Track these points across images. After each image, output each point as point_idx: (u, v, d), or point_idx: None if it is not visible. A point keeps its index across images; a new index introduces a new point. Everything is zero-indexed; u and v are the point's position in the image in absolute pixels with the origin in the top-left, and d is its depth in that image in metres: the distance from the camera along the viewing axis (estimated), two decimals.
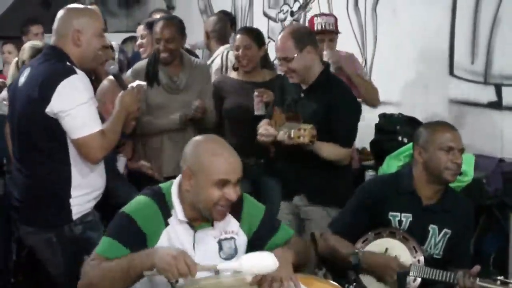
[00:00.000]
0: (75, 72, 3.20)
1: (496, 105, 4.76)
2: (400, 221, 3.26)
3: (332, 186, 3.87)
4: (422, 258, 3.15)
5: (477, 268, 3.07)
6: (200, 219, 2.71)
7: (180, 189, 2.71)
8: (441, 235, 3.28)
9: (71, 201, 3.28)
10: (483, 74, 4.84)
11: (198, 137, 2.79)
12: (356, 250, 3.17)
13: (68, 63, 3.25)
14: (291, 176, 4.01)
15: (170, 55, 4.42)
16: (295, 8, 6.55)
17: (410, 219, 3.26)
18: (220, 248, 2.76)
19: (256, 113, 4.39)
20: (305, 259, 2.85)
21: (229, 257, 2.75)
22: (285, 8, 6.68)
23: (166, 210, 2.72)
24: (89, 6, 3.51)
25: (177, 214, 2.71)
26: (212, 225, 2.74)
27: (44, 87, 3.18)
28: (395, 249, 3.17)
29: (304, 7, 6.42)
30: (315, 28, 4.71)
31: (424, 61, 5.25)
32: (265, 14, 6.97)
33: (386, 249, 3.18)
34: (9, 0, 8.55)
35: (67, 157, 3.25)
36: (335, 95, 3.82)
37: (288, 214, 4.02)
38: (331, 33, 4.71)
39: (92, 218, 3.34)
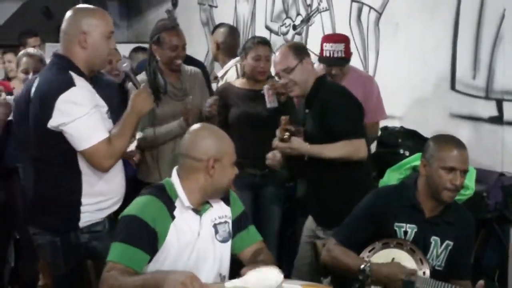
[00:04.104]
0: (73, 85, 3.16)
1: (497, 120, 4.79)
2: (405, 232, 3.28)
3: (342, 211, 3.77)
4: (428, 271, 3.15)
5: (481, 283, 3.05)
6: (201, 203, 2.90)
7: (185, 178, 2.86)
8: (443, 246, 3.30)
9: (82, 208, 3.27)
10: (484, 89, 4.86)
11: (197, 128, 2.95)
12: (362, 266, 3.16)
13: (70, 71, 3.21)
14: (307, 198, 4.10)
15: (182, 62, 4.47)
16: (297, 22, 6.59)
17: (415, 230, 3.27)
18: (216, 232, 2.94)
19: (268, 106, 4.42)
20: None
21: (224, 240, 2.96)
22: (288, 21, 6.71)
23: (170, 203, 2.84)
24: (96, 7, 3.41)
25: (182, 202, 2.85)
26: (211, 205, 2.93)
27: (44, 102, 3.17)
28: (402, 260, 3.17)
29: (306, 21, 6.46)
30: (323, 54, 4.71)
31: (426, 76, 5.27)
32: (267, 28, 7.00)
33: (393, 259, 3.18)
34: (11, 9, 8.57)
35: (77, 166, 3.24)
36: (325, 97, 3.85)
37: (308, 237, 4.05)
38: (340, 61, 4.69)
39: (102, 229, 3.32)
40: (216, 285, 2.73)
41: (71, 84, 3.16)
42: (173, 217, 2.82)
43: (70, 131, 3.15)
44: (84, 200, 3.27)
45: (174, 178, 2.88)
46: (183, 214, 2.85)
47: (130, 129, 3.32)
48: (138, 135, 3.85)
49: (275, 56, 3.96)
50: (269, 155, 4.00)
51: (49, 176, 3.27)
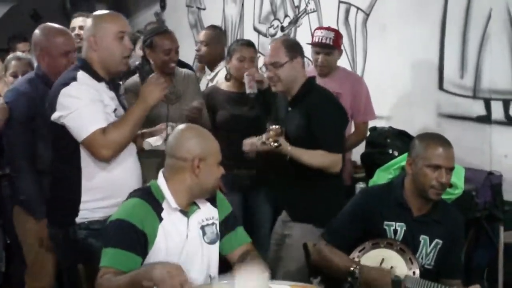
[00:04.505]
0: (74, 80, 3.29)
1: (485, 119, 4.81)
2: (395, 230, 3.28)
3: (314, 203, 3.83)
4: (417, 270, 3.16)
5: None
6: (188, 204, 2.90)
7: (170, 179, 2.86)
8: (432, 245, 3.31)
9: (81, 205, 3.33)
10: (472, 89, 4.88)
11: (182, 128, 2.95)
12: (352, 268, 3.17)
13: (81, 70, 3.34)
14: (279, 191, 4.08)
15: (175, 65, 4.47)
16: (285, 24, 6.60)
17: (405, 228, 3.28)
18: (204, 233, 2.94)
19: (247, 91, 4.39)
20: None
21: (212, 241, 2.95)
22: (276, 23, 6.72)
23: (157, 205, 2.84)
24: (110, 11, 3.55)
25: (169, 204, 2.85)
26: (199, 207, 2.93)
27: (51, 97, 3.33)
28: (392, 260, 3.18)
29: (294, 22, 6.47)
30: (313, 40, 4.78)
31: (414, 76, 5.30)
32: (256, 29, 7.01)
33: (383, 259, 3.20)
34: None
35: (78, 160, 3.31)
36: (313, 102, 3.82)
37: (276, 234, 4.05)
38: (328, 47, 4.75)
39: (100, 227, 3.29)
40: (201, 286, 2.73)
41: (73, 79, 3.30)
42: (160, 219, 2.82)
43: (68, 123, 3.25)
44: (84, 196, 3.33)
45: (160, 180, 2.89)
46: (171, 216, 2.85)
47: (132, 121, 3.34)
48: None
49: (267, 49, 3.95)
50: (247, 141, 3.96)
51: (56, 169, 3.42)
